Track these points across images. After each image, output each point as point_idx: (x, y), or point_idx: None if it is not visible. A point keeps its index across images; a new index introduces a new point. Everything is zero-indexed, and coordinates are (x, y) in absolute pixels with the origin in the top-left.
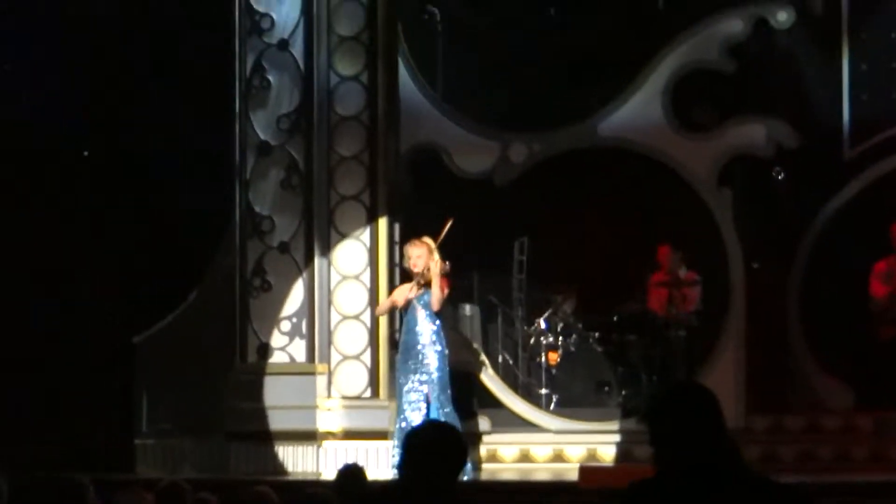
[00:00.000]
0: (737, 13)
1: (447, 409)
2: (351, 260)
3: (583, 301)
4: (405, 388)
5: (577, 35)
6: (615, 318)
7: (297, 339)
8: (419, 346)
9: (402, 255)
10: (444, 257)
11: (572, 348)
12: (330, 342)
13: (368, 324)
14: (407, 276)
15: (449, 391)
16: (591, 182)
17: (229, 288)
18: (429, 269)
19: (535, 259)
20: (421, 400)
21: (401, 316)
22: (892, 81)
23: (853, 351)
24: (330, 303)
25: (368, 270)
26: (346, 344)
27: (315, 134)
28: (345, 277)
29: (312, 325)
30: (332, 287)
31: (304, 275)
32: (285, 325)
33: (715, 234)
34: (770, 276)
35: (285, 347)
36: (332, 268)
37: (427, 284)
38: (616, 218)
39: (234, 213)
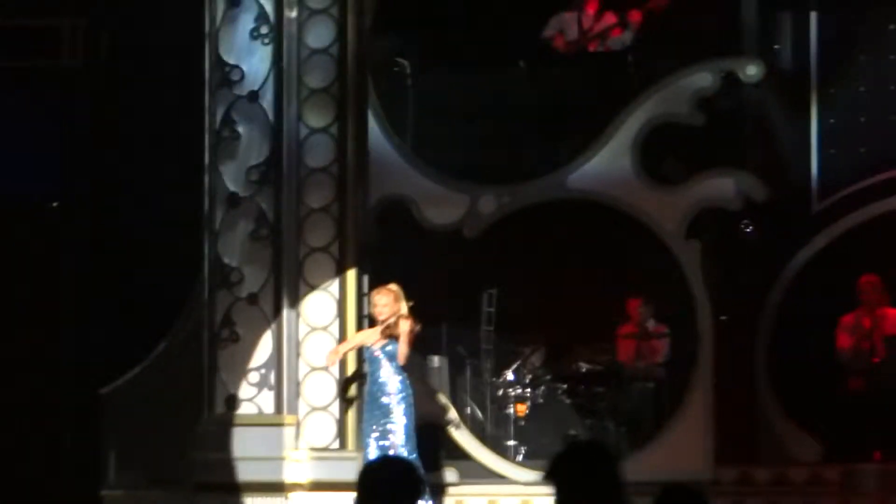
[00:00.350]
0: (706, 67)
1: (412, 458)
2: (319, 311)
3: (551, 353)
4: (371, 437)
5: (546, 88)
6: (583, 370)
7: (265, 391)
8: (384, 398)
9: (369, 304)
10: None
11: (540, 400)
12: (298, 393)
13: (337, 375)
14: (372, 322)
15: (414, 441)
16: (560, 234)
17: (197, 339)
18: (396, 318)
19: (503, 311)
20: (387, 448)
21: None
22: (861, 135)
23: (821, 403)
24: (298, 354)
25: (337, 322)
26: (314, 395)
27: (284, 185)
28: (313, 329)
29: (280, 377)
30: (300, 338)
31: (273, 326)
32: (253, 377)
33: (683, 286)
34: (738, 328)
35: (253, 399)
36: (300, 319)
37: (392, 335)
38: (585, 270)
39: (203, 264)
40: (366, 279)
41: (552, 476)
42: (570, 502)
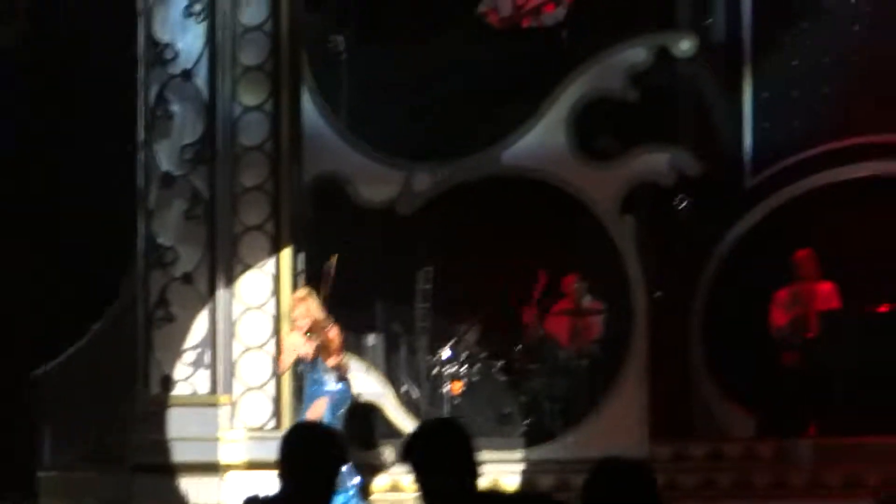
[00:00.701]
0: (639, 42)
1: None
2: (255, 290)
3: (486, 331)
4: None
5: (480, 64)
6: (518, 348)
7: (200, 371)
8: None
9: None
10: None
11: (476, 378)
12: (233, 373)
13: (272, 354)
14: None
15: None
16: (496, 211)
17: (132, 319)
18: (318, 326)
19: (439, 288)
20: None
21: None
22: (794, 110)
23: (755, 379)
24: (233, 334)
25: (272, 301)
26: (250, 375)
27: (219, 164)
28: (248, 308)
29: (216, 357)
30: (235, 318)
31: (208, 306)
32: (189, 357)
33: (618, 262)
34: (673, 304)
35: (188, 379)
36: (235, 298)
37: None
38: (520, 247)
39: (138, 243)
40: (301, 257)
41: (407, 457)
42: (426, 482)
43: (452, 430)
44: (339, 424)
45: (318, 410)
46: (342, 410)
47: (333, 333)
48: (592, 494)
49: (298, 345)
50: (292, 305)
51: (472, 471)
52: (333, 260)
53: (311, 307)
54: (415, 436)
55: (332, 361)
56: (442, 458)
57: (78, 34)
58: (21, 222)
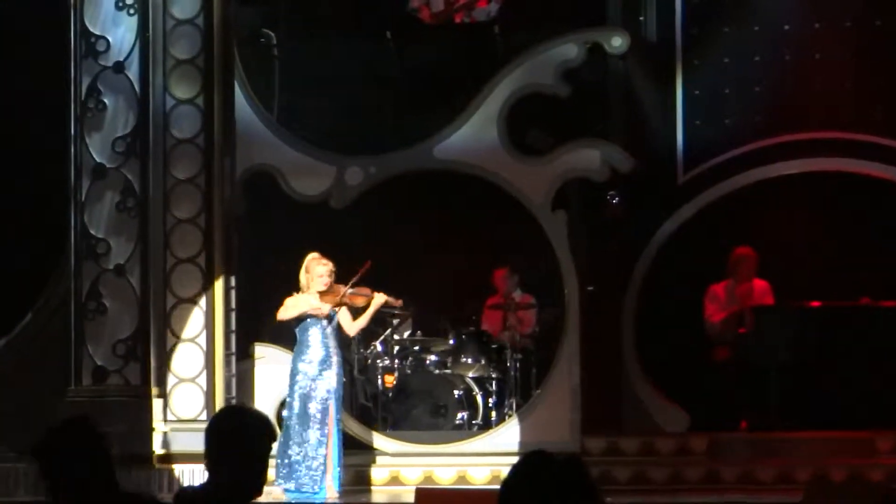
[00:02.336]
0: (571, 38)
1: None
2: (186, 283)
3: (419, 324)
4: (294, 404)
5: (412, 58)
6: (451, 341)
7: (132, 363)
8: (325, 362)
9: (304, 271)
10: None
11: (408, 371)
12: (165, 365)
13: (204, 347)
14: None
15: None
16: (428, 205)
17: (64, 311)
18: (351, 289)
19: (371, 282)
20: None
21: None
22: (725, 107)
23: (687, 374)
24: (166, 326)
25: (204, 294)
26: (182, 367)
27: (151, 157)
28: (180, 300)
29: (148, 348)
30: (167, 310)
31: (140, 298)
32: (120, 349)
33: (550, 257)
34: (605, 299)
35: (121, 370)
36: (167, 291)
37: (342, 304)
38: (452, 241)
39: (70, 235)
40: (233, 251)
41: (37, 459)
42: (57, 484)
43: (82, 431)
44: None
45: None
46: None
47: (396, 301)
48: (515, 490)
49: (309, 301)
50: (314, 261)
51: (107, 472)
52: (367, 265)
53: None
54: (44, 438)
55: (356, 329)
56: (72, 459)
57: (9, 25)
58: None
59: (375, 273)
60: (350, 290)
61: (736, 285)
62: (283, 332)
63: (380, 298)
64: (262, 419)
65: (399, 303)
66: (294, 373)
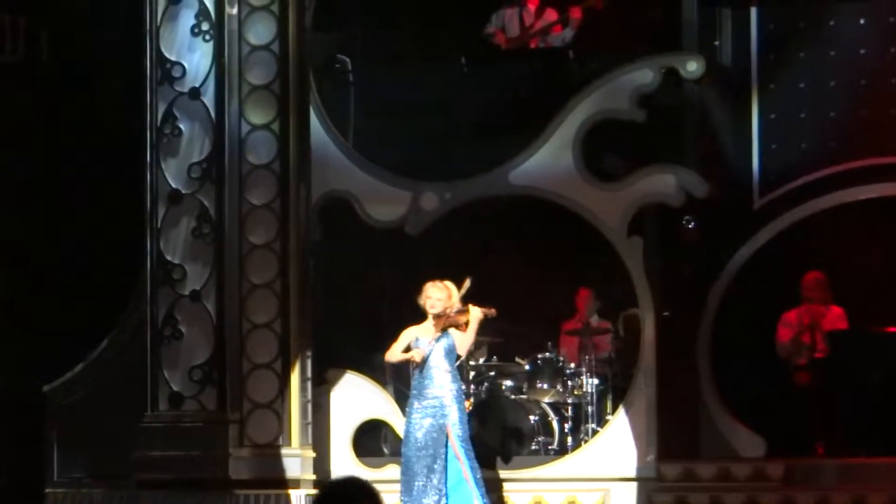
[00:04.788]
0: (646, 63)
1: (468, 450)
2: (262, 308)
3: (495, 349)
4: (416, 431)
5: (488, 84)
6: (527, 367)
7: (208, 388)
8: (433, 390)
9: (420, 295)
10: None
11: (484, 396)
12: (241, 390)
13: (280, 372)
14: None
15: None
16: (504, 230)
17: (141, 336)
18: (455, 310)
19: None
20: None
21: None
22: (801, 131)
23: (764, 399)
24: (241, 351)
25: (280, 319)
26: (258, 392)
27: (226, 182)
28: (256, 326)
29: (224, 374)
30: (243, 335)
31: (216, 323)
32: (196, 374)
33: (626, 282)
34: (681, 324)
35: (197, 396)
36: (243, 316)
37: (449, 326)
38: (527, 267)
39: (146, 261)
40: (308, 276)
41: None
42: None
43: (360, 490)
44: (465, 416)
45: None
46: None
47: (489, 312)
48: None
49: (418, 330)
50: (434, 286)
51: None
52: (466, 282)
53: (450, 297)
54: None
55: (465, 347)
56: None
57: (85, 52)
58: (31, 239)
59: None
60: (452, 311)
61: (807, 310)
62: (358, 358)
63: (476, 312)
64: (371, 493)
65: (493, 311)
66: (410, 406)
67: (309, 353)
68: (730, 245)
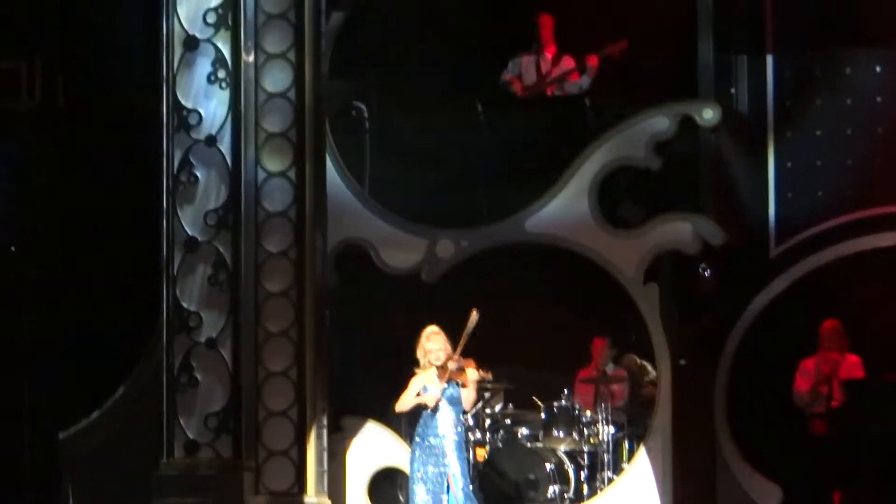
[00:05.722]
0: (662, 111)
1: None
2: (278, 356)
3: (510, 396)
4: (418, 482)
5: (504, 131)
6: (543, 415)
7: (223, 436)
8: (434, 439)
9: (419, 348)
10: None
11: (500, 444)
12: (257, 438)
13: (296, 420)
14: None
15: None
16: (519, 278)
17: (156, 384)
18: (457, 364)
19: (463, 355)
20: (438, 494)
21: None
22: (818, 179)
23: (780, 447)
24: (258, 399)
25: (295, 367)
26: (273, 440)
27: (242, 230)
28: (272, 373)
29: (239, 421)
30: (259, 383)
31: (232, 371)
32: (212, 421)
33: (642, 330)
34: (697, 372)
35: (212, 443)
36: (259, 364)
37: (452, 379)
38: (543, 314)
39: (162, 308)
40: (325, 323)
41: None
42: None
43: None
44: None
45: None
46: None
47: (485, 374)
48: None
49: (425, 379)
50: (429, 338)
51: None
52: (474, 314)
53: (447, 341)
54: None
55: (469, 403)
56: None
57: (102, 99)
58: (47, 284)
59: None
60: (453, 367)
61: (824, 358)
62: (373, 405)
63: (472, 374)
64: None
65: (489, 375)
66: (413, 449)
67: (325, 401)
68: (746, 293)
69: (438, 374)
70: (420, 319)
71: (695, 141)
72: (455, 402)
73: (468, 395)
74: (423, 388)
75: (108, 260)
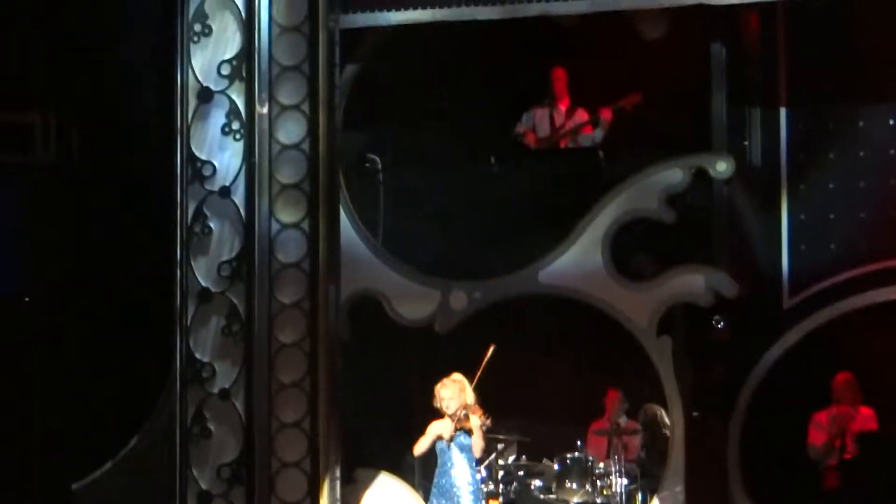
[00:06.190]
0: (676, 163)
1: None
2: (291, 407)
3: (524, 448)
4: None
5: (518, 183)
6: (556, 466)
7: (236, 487)
8: (455, 489)
9: (434, 397)
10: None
11: (513, 496)
12: (270, 489)
13: (308, 471)
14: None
15: None
16: (532, 329)
17: (170, 434)
18: (465, 411)
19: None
20: None
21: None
22: (831, 232)
23: (794, 501)
24: (270, 450)
25: (309, 418)
26: (286, 491)
27: (256, 281)
28: (284, 425)
29: (252, 473)
30: (272, 434)
31: (245, 422)
32: (225, 472)
33: (655, 382)
34: (710, 424)
35: (225, 494)
36: (272, 415)
37: (462, 428)
38: (556, 366)
39: (175, 359)
40: (337, 375)
41: None
42: None
43: None
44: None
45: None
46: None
47: (485, 420)
48: None
49: (440, 427)
50: (444, 387)
51: None
52: (490, 350)
53: (462, 390)
54: None
55: (478, 450)
56: None
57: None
58: (60, 335)
59: (483, 395)
60: (461, 413)
61: (838, 411)
62: (387, 457)
63: (475, 420)
64: None
65: (488, 422)
66: (430, 500)
67: (338, 452)
68: (759, 345)
69: (452, 423)
70: (433, 371)
71: (708, 193)
72: (466, 449)
73: (476, 443)
74: (437, 436)
75: (121, 311)
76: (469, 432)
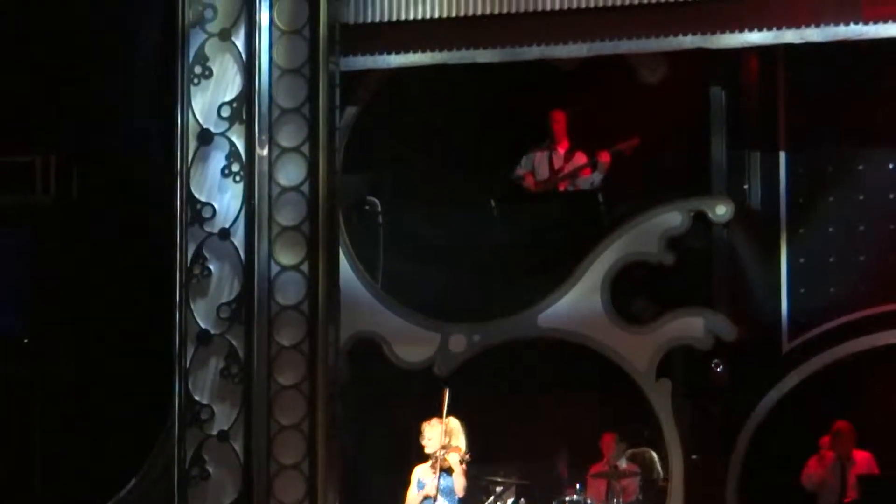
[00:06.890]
0: (675, 207)
1: None
2: (290, 450)
3: (522, 491)
4: None
5: (517, 226)
6: None
7: None
8: None
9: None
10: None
11: None
12: None
13: None
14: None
15: None
16: (531, 372)
17: (168, 476)
18: (444, 451)
19: (475, 449)
20: None
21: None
22: (830, 275)
23: None
24: (269, 492)
25: (307, 460)
26: None
27: (255, 323)
28: (283, 467)
29: None
30: (271, 476)
31: (243, 464)
32: None
33: (654, 425)
34: (709, 467)
35: None
36: (271, 457)
37: (443, 469)
38: (555, 409)
39: (174, 401)
40: (337, 417)
41: None
42: None
43: None
44: None
45: None
46: None
47: (463, 457)
48: None
49: (422, 472)
50: (430, 425)
51: None
52: (445, 394)
53: (447, 434)
54: None
55: (460, 489)
56: None
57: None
58: (60, 377)
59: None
60: (440, 454)
61: (836, 455)
62: (386, 500)
63: (454, 457)
64: None
65: (467, 457)
66: None
67: (336, 495)
68: (758, 389)
69: (431, 464)
70: (432, 413)
71: (707, 237)
72: (449, 492)
73: (458, 481)
74: (417, 480)
75: (120, 352)
76: (449, 471)
